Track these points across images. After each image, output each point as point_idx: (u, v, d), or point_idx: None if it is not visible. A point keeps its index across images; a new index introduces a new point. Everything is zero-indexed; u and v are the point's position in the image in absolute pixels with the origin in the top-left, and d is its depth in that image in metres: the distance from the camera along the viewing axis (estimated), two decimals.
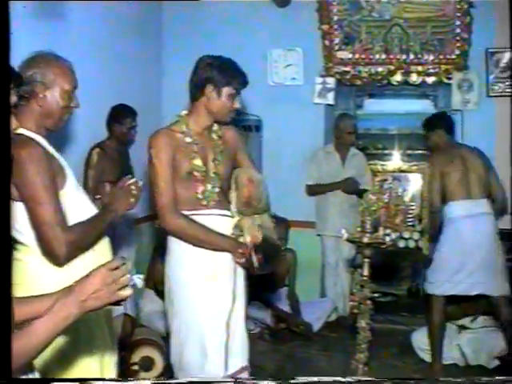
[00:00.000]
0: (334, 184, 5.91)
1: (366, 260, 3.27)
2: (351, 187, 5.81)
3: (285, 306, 5.73)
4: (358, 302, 3.30)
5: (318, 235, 6.08)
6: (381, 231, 3.25)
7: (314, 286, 6.20)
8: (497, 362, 4.98)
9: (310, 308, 5.75)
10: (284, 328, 5.64)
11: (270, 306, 5.65)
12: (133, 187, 2.68)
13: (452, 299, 4.97)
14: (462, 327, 5.18)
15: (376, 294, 5.68)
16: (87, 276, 1.66)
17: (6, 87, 1.73)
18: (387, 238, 3.23)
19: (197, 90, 3.07)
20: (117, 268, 1.66)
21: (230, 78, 3.06)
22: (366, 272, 3.29)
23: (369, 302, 3.29)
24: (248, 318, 5.41)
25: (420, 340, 5.12)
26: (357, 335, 3.33)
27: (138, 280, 1.75)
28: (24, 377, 1.70)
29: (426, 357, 5.07)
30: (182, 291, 3.06)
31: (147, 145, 3.04)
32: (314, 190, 6.05)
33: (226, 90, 3.05)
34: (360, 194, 5.45)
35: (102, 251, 2.56)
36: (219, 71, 3.04)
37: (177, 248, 3.11)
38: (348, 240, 3.25)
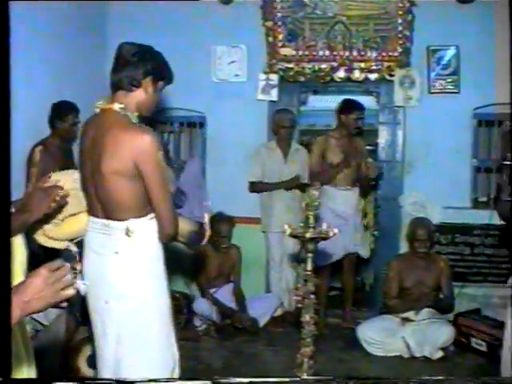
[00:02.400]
0: (278, 183, 5.98)
1: (309, 255, 3.29)
2: (295, 185, 5.91)
3: (231, 303, 5.76)
4: (301, 297, 3.32)
5: (263, 232, 6.14)
6: (324, 226, 3.26)
7: (260, 282, 6.25)
8: (440, 353, 5.13)
9: (255, 304, 5.78)
10: (230, 324, 5.66)
11: (215, 303, 5.67)
12: (55, 190, 2.63)
13: (399, 294, 5.29)
14: (406, 320, 5.30)
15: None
16: (28, 277, 1.63)
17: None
18: (330, 233, 3.24)
19: (133, 80, 2.92)
20: (58, 268, 1.64)
21: (167, 71, 3.03)
22: (309, 267, 3.30)
23: (312, 296, 3.31)
24: (194, 314, 5.51)
25: (366, 333, 5.25)
26: (301, 330, 3.35)
27: (83, 286, 1.74)
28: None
29: (372, 350, 5.22)
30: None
31: (142, 145, 2.81)
32: (257, 187, 6.10)
33: (160, 84, 3.00)
34: (303, 189, 5.53)
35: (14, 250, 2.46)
36: (160, 63, 3.00)
37: None
38: (291, 235, 3.26)
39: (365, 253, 5.95)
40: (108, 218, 2.93)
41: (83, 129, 3.07)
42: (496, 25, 5.59)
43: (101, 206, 2.94)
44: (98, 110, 2.97)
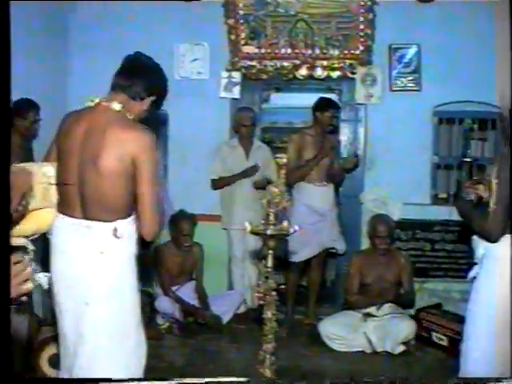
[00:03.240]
0: (238, 174, 5.97)
1: (270, 252, 3.26)
2: (263, 183, 5.84)
3: (193, 300, 5.74)
4: (263, 294, 3.32)
5: (224, 229, 6.13)
6: (285, 223, 3.29)
7: (222, 279, 6.27)
8: (402, 348, 5.19)
9: (218, 301, 5.78)
10: (193, 322, 5.65)
11: (178, 301, 5.66)
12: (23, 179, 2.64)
13: (360, 290, 5.36)
14: (368, 315, 5.35)
15: (283, 286, 5.85)
16: None
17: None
18: (291, 230, 3.27)
19: (139, 94, 3.03)
20: (18, 263, 1.62)
21: (167, 92, 3.18)
22: (269, 263, 3.26)
23: (274, 293, 3.27)
24: (157, 313, 5.49)
25: (328, 329, 5.30)
26: (264, 325, 3.36)
27: (45, 278, 1.72)
28: None
29: (335, 345, 5.27)
30: None
31: (144, 143, 2.89)
32: (219, 184, 6.09)
33: (152, 99, 3.10)
34: (264, 186, 5.53)
35: None
36: (164, 85, 3.17)
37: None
38: (252, 232, 3.24)
39: (341, 247, 5.93)
40: (89, 218, 2.92)
41: (69, 121, 3.04)
42: (495, 25, 5.69)
43: (83, 205, 2.93)
44: (91, 105, 3.01)
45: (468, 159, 5.98)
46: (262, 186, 5.67)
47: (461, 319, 3.63)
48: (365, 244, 5.97)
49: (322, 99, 5.76)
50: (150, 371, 3.20)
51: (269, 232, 3.19)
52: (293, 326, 5.71)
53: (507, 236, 3.18)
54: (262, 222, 3.23)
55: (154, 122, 6.10)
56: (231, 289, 6.16)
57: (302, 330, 5.73)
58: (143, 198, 2.89)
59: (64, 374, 3.08)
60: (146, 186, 2.88)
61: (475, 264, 3.39)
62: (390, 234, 5.50)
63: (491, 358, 3.22)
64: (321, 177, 5.70)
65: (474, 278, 3.36)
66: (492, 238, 3.22)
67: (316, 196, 5.70)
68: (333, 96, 6.23)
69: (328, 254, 6.10)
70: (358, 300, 5.46)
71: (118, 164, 2.85)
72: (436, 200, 6.16)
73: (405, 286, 5.53)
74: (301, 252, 5.65)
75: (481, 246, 3.29)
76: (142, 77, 3.04)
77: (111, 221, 2.90)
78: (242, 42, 6.12)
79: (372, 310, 5.39)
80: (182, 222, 5.70)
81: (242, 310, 5.99)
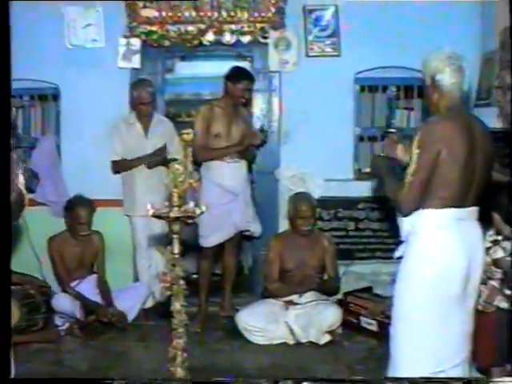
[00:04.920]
0: (141, 158, 5.90)
1: (175, 236, 3.26)
2: (157, 162, 5.83)
3: (95, 296, 5.65)
4: (170, 283, 3.27)
5: (127, 215, 6.05)
6: (191, 204, 3.24)
7: (127, 271, 6.19)
8: (327, 337, 5.24)
9: (122, 295, 5.72)
10: (95, 320, 5.56)
11: (77, 298, 5.54)
12: None
13: (281, 277, 5.44)
14: (290, 303, 5.39)
15: (195, 276, 5.92)
16: None
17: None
18: (198, 211, 3.22)
19: None
20: None
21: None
22: (176, 249, 3.26)
23: (182, 281, 3.28)
24: (54, 312, 5.36)
25: (246, 320, 5.30)
26: (173, 319, 3.31)
27: None
28: None
29: (254, 338, 5.29)
30: None
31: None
32: (119, 167, 5.98)
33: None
34: (167, 164, 5.47)
35: None
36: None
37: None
38: (154, 216, 3.18)
39: (256, 230, 5.93)
40: None
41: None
42: None
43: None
44: None
45: (392, 130, 5.93)
46: (156, 165, 5.76)
47: (391, 301, 3.64)
48: (282, 226, 5.98)
49: (234, 69, 5.72)
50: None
51: (172, 214, 3.16)
52: (207, 320, 5.72)
53: (431, 211, 3.23)
54: (166, 204, 3.23)
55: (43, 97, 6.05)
56: (137, 281, 6.10)
57: (218, 324, 5.75)
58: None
59: None
60: None
61: (402, 242, 3.41)
62: (313, 214, 5.54)
63: (421, 342, 3.27)
64: (233, 153, 5.68)
65: (401, 257, 3.39)
66: (402, 210, 3.27)
67: (227, 174, 5.67)
68: (244, 64, 6.23)
69: (243, 238, 6.13)
70: (278, 288, 5.50)
71: None
72: (359, 175, 6.16)
73: (328, 270, 5.59)
74: (212, 236, 5.66)
75: (406, 223, 3.30)
76: None
77: None
78: (141, 4, 5.97)
79: (294, 297, 5.43)
80: (78, 209, 5.62)
81: (150, 304, 5.97)
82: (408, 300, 3.31)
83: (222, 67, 5.77)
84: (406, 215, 3.27)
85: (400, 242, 3.43)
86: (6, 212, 1.64)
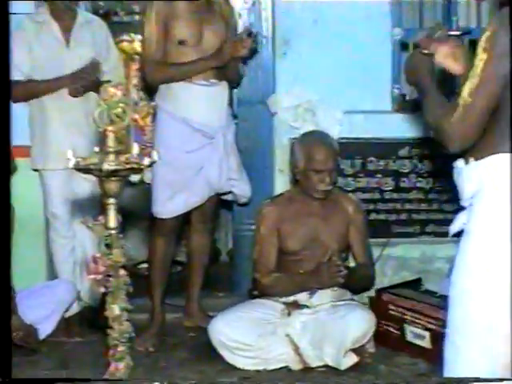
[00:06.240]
0: (54, 81, 5.79)
1: (111, 201, 3.12)
2: (84, 85, 5.75)
3: None
4: (103, 275, 3.14)
5: (35, 170, 5.96)
6: (135, 149, 3.12)
7: (37, 259, 6.13)
8: (353, 359, 5.10)
9: (31, 299, 5.63)
10: None
11: None
12: None
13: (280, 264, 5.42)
14: (294, 306, 5.27)
15: (145, 265, 6.14)
16: None
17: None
18: (145, 160, 3.10)
19: None
20: None
21: None
22: (111, 222, 3.12)
23: (123, 272, 3.16)
24: None
25: (224, 333, 5.18)
26: (109, 331, 3.17)
27: None
28: None
29: (237, 360, 5.22)
30: None
31: None
32: (22, 92, 5.82)
33: None
34: (98, 89, 5.31)
35: None
36: None
37: None
38: (78, 169, 3.08)
39: (244, 192, 5.91)
40: None
41: None
42: None
43: None
44: None
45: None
46: (82, 90, 5.68)
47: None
48: (280, 185, 6.05)
49: None
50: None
51: (106, 166, 3.01)
52: (165, 333, 5.74)
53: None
54: (96, 150, 3.11)
55: None
56: (54, 277, 6.01)
57: (182, 339, 5.76)
58: None
59: None
60: None
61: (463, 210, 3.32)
62: (333, 166, 5.39)
63: (488, 358, 3.19)
64: (208, 70, 5.60)
65: (460, 233, 3.28)
66: (450, 143, 3.09)
67: (197, 104, 5.56)
68: None
69: (220, 206, 6.24)
70: (275, 281, 5.38)
71: None
72: (402, 104, 6.16)
73: (356, 253, 5.48)
74: (172, 202, 5.58)
75: (468, 177, 3.15)
76: None
77: None
78: None
79: (301, 297, 5.29)
80: None
81: (74, 310, 5.89)
82: (471, 299, 3.18)
83: None
84: (453, 150, 3.10)
85: (460, 210, 3.28)
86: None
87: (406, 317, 5.41)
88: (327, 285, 5.26)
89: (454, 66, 3.34)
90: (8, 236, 1.99)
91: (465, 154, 3.15)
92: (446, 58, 3.35)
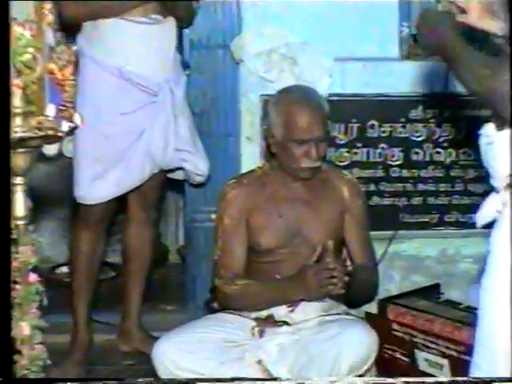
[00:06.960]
0: None
1: (18, 181, 3.17)
2: None
3: None
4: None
5: None
6: (50, 110, 3.18)
7: None
8: None
9: None
10: None
11: None
12: None
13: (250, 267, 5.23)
14: (268, 321, 4.96)
15: (64, 269, 6.34)
16: None
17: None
18: (64, 125, 3.20)
19: None
20: None
21: None
22: (18, 210, 3.17)
23: (34, 277, 3.27)
24: None
25: (172, 359, 4.81)
26: (16, 357, 3.18)
27: None
28: None
29: None
30: None
31: None
32: None
33: None
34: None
35: None
36: None
37: None
38: None
39: (200, 169, 5.73)
40: None
41: None
42: None
43: None
44: None
45: None
46: None
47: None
48: (248, 159, 5.97)
49: None
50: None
51: (11, 134, 3.09)
52: (92, 360, 5.66)
53: None
54: None
55: None
56: None
57: (116, 368, 5.66)
58: None
59: None
60: None
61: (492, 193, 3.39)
62: (323, 135, 5.06)
63: None
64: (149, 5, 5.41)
65: (492, 224, 3.35)
66: (505, 105, 3.07)
67: (136, 48, 5.41)
68: None
69: (167, 186, 6.30)
70: (243, 290, 5.05)
71: None
72: (413, 50, 6.03)
73: (353, 251, 5.18)
74: (101, 182, 5.42)
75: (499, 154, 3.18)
76: None
77: None
78: None
79: (278, 311, 4.97)
80: None
81: None
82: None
83: None
84: (500, 111, 3.08)
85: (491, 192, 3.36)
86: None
87: (417, 338, 5.23)
88: (314, 296, 4.90)
89: (493, 25, 3.26)
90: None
91: (497, 116, 3.08)
92: (482, 15, 3.29)
